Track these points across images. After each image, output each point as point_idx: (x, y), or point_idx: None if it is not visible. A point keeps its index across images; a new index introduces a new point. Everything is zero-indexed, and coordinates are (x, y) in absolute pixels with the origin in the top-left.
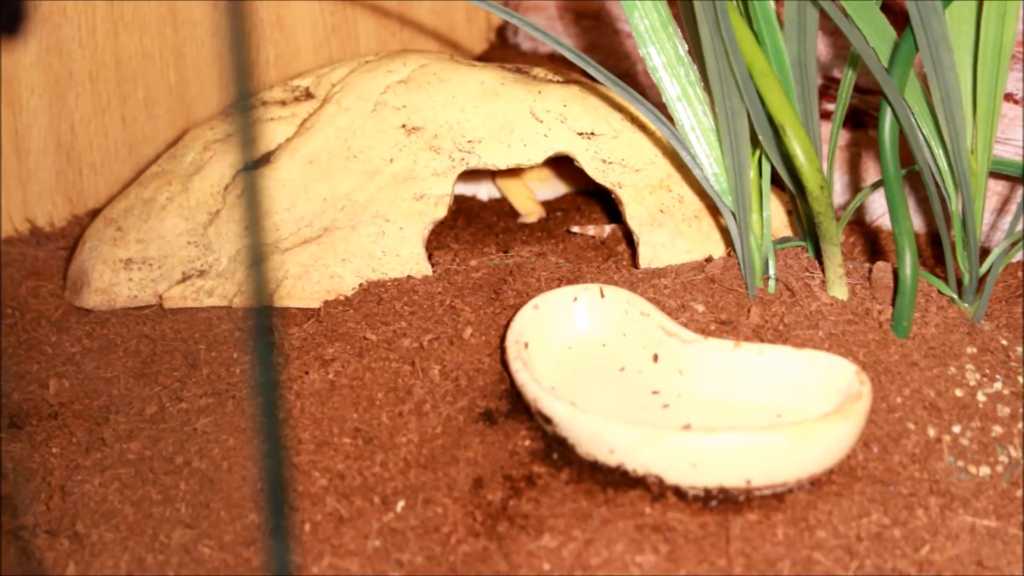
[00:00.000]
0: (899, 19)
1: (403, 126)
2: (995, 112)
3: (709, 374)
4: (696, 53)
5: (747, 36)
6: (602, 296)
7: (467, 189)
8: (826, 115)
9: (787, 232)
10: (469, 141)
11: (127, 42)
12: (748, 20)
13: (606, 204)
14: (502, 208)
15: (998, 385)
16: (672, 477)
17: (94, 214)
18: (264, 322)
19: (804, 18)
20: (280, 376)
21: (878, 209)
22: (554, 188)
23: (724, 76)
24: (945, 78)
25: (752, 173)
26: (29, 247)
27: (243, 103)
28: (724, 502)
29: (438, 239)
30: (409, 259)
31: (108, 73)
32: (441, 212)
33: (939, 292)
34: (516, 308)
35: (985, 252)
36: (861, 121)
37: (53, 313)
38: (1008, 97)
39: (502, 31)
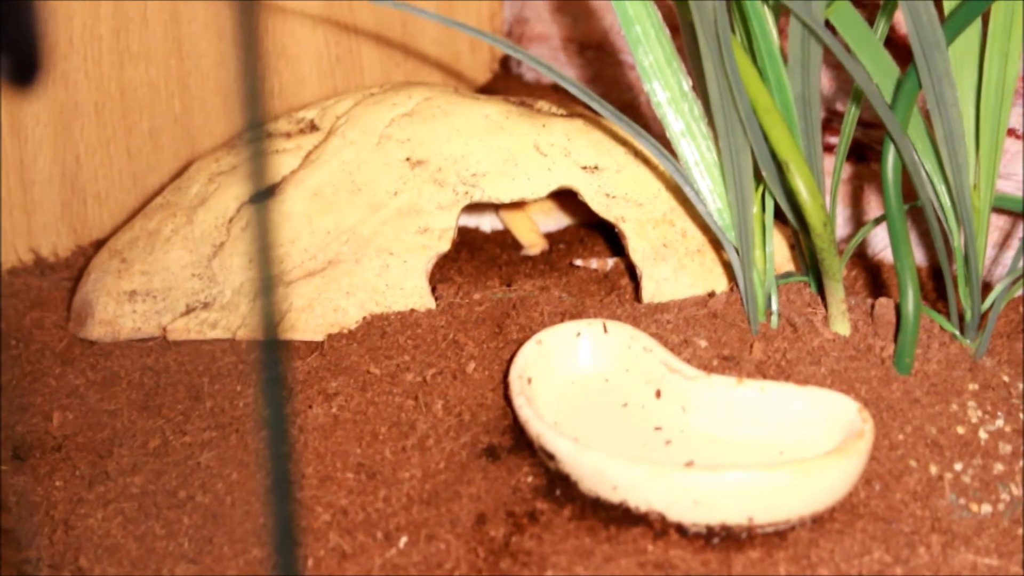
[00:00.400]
0: (901, 53)
1: (407, 159)
2: (998, 148)
3: (712, 411)
4: (700, 88)
5: (751, 72)
6: (605, 331)
7: (470, 221)
8: (828, 148)
9: (789, 267)
10: (473, 175)
11: (132, 73)
12: (752, 56)
13: (608, 236)
14: (505, 240)
15: (1000, 422)
16: (675, 514)
17: (98, 245)
18: (270, 356)
19: (808, 54)
20: (284, 410)
21: (880, 243)
22: (557, 220)
23: (728, 112)
24: (948, 115)
25: (755, 208)
26: (33, 278)
27: (253, 134)
28: (726, 539)
29: (441, 272)
30: (413, 292)
31: (113, 104)
32: (445, 245)
33: (941, 328)
34: (519, 342)
35: (987, 287)
36: (863, 154)
37: (57, 345)
38: (1010, 132)
39: (506, 61)
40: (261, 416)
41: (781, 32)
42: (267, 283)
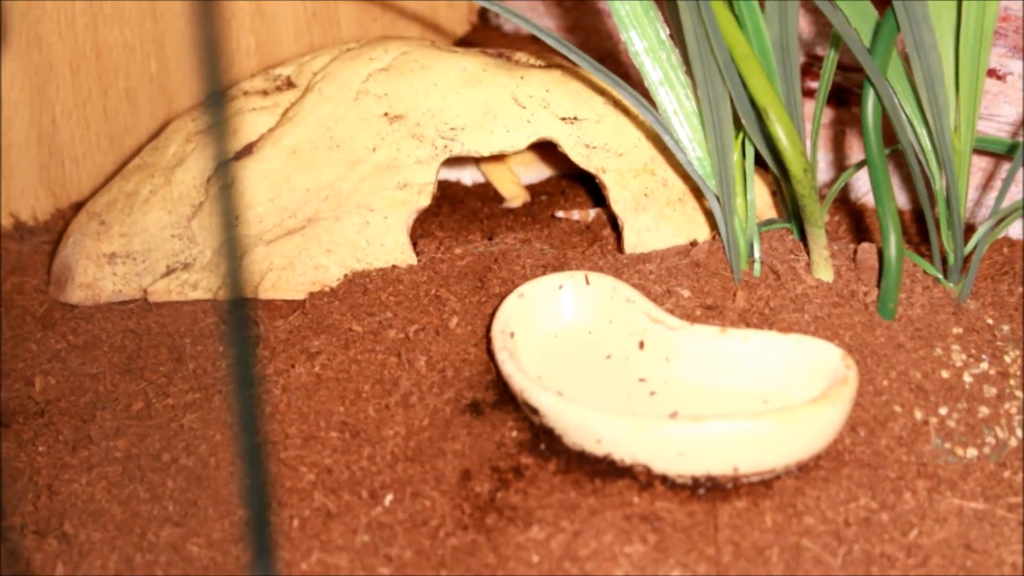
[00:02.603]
0: None
1: (385, 114)
2: (978, 91)
3: (695, 361)
4: (677, 37)
5: (728, 19)
6: (587, 283)
7: (451, 174)
8: (809, 93)
9: (771, 214)
10: (452, 128)
11: (107, 34)
12: (729, 2)
13: (590, 187)
14: (486, 193)
15: (984, 365)
16: (659, 466)
17: (77, 207)
18: (245, 316)
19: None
20: (266, 370)
21: (862, 187)
22: (538, 172)
23: (706, 60)
24: (927, 58)
25: (735, 156)
26: (12, 242)
27: (218, 96)
28: (712, 490)
29: (422, 227)
30: (394, 248)
31: (88, 65)
32: (425, 200)
33: (924, 272)
34: (502, 296)
35: (970, 229)
36: (844, 99)
37: (38, 309)
38: (991, 73)
39: (484, 14)
40: (237, 378)
41: None
42: (231, 245)
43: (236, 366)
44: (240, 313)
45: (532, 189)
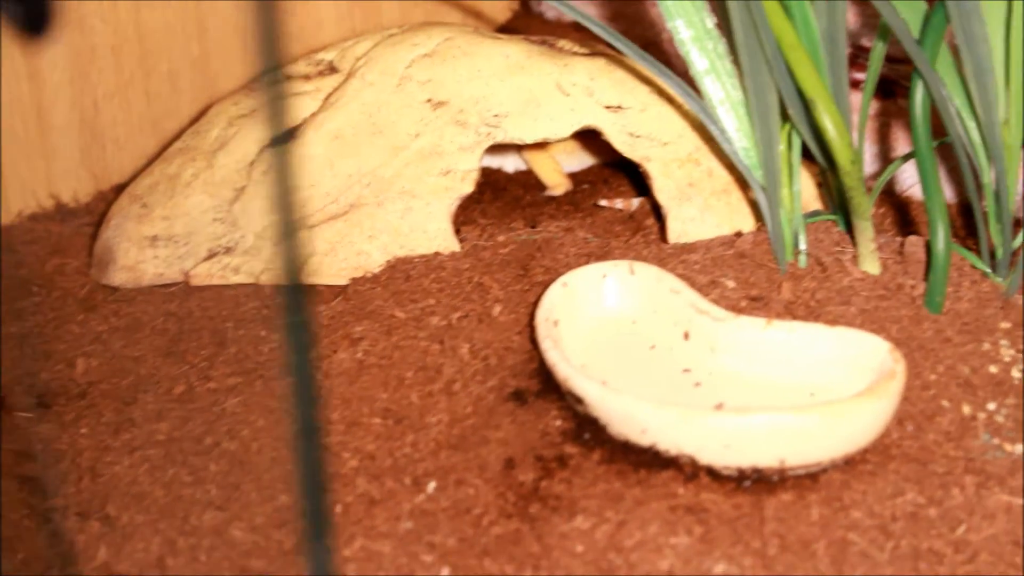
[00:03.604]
0: None
1: (429, 100)
2: None
3: (741, 352)
4: (724, 26)
5: (776, 8)
6: (632, 273)
7: (493, 161)
8: (854, 84)
9: (817, 205)
10: (495, 115)
11: (149, 15)
12: None
13: (632, 175)
14: (528, 180)
15: None
16: (705, 457)
17: (118, 189)
18: (296, 301)
19: None
20: (309, 356)
21: (908, 179)
22: (580, 160)
23: (753, 49)
24: (977, 50)
25: (782, 147)
26: (54, 223)
27: (271, 76)
28: (758, 482)
29: (465, 214)
30: (436, 235)
31: (131, 47)
32: (468, 187)
33: (972, 266)
34: (545, 285)
35: (1017, 223)
36: (890, 90)
37: (79, 291)
38: None
39: (525, 0)
40: (286, 362)
41: None
42: (289, 228)
43: (295, 352)
44: (298, 298)
45: (574, 177)
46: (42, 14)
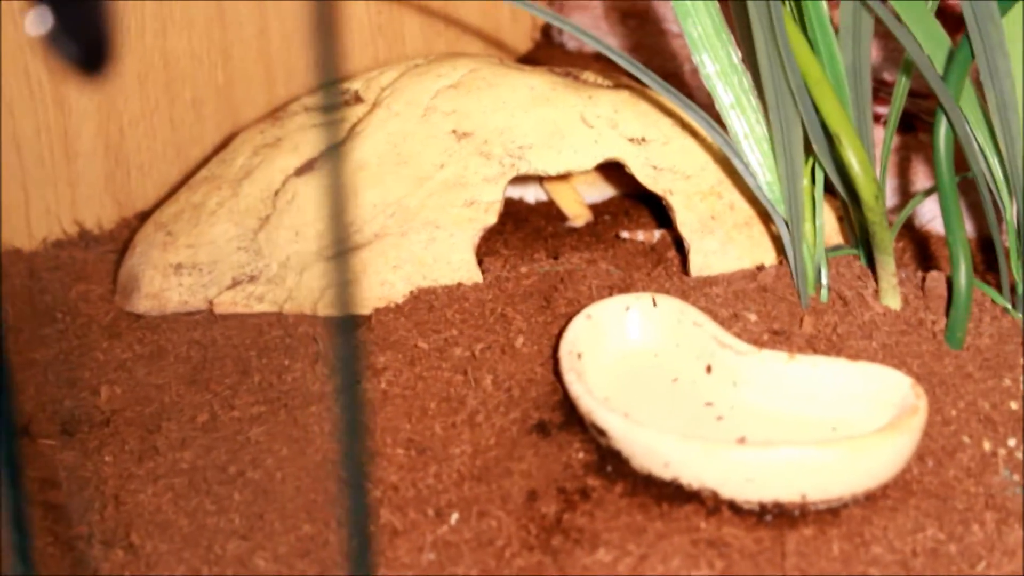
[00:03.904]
0: (952, 23)
1: (453, 131)
2: None
3: (763, 386)
4: (750, 60)
5: (802, 43)
6: (654, 305)
7: (514, 192)
8: (876, 118)
9: (838, 239)
10: (520, 147)
11: (175, 43)
12: (802, 27)
13: (653, 207)
14: (550, 211)
15: None
16: (727, 491)
17: (143, 216)
18: (346, 330)
19: (859, 25)
20: (331, 386)
21: (927, 213)
22: (601, 191)
23: (778, 83)
24: (1001, 85)
25: (805, 181)
26: (78, 250)
27: (330, 96)
28: (779, 517)
29: (487, 244)
30: (460, 266)
31: (156, 74)
32: (492, 219)
33: (992, 301)
34: (568, 316)
35: None
36: (911, 124)
37: (103, 318)
38: None
39: (547, 30)
40: (316, 392)
41: (831, 2)
42: (340, 248)
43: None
44: (346, 332)
45: (595, 209)
46: (100, 51)
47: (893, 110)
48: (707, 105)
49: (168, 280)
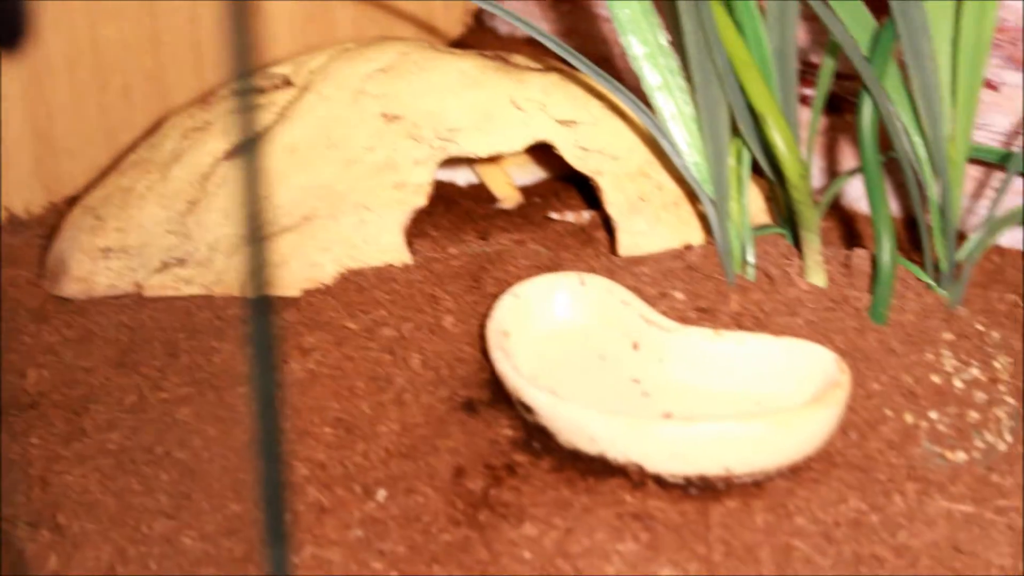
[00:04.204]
0: (877, 5)
1: (383, 115)
2: (974, 100)
3: (689, 362)
4: (677, 42)
5: (728, 25)
6: (582, 284)
7: (445, 174)
8: (802, 100)
9: (765, 219)
10: (449, 130)
11: (104, 29)
12: (729, 9)
13: (583, 189)
14: (480, 194)
15: (975, 371)
16: (652, 465)
17: (71, 201)
18: (262, 312)
19: (785, 6)
20: (259, 367)
21: (853, 192)
22: (532, 173)
23: (705, 66)
24: (924, 66)
25: (732, 161)
26: (6, 235)
27: (242, 86)
28: (704, 490)
29: (417, 226)
30: (389, 247)
31: (85, 59)
32: (421, 200)
33: (916, 278)
34: (496, 296)
35: (960, 237)
36: (838, 106)
37: (31, 302)
38: (986, 83)
39: (479, 15)
40: (244, 373)
41: None
42: (256, 236)
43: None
44: (255, 309)
45: (525, 191)
46: (15, 28)
47: (819, 91)
48: (636, 88)
49: (97, 264)
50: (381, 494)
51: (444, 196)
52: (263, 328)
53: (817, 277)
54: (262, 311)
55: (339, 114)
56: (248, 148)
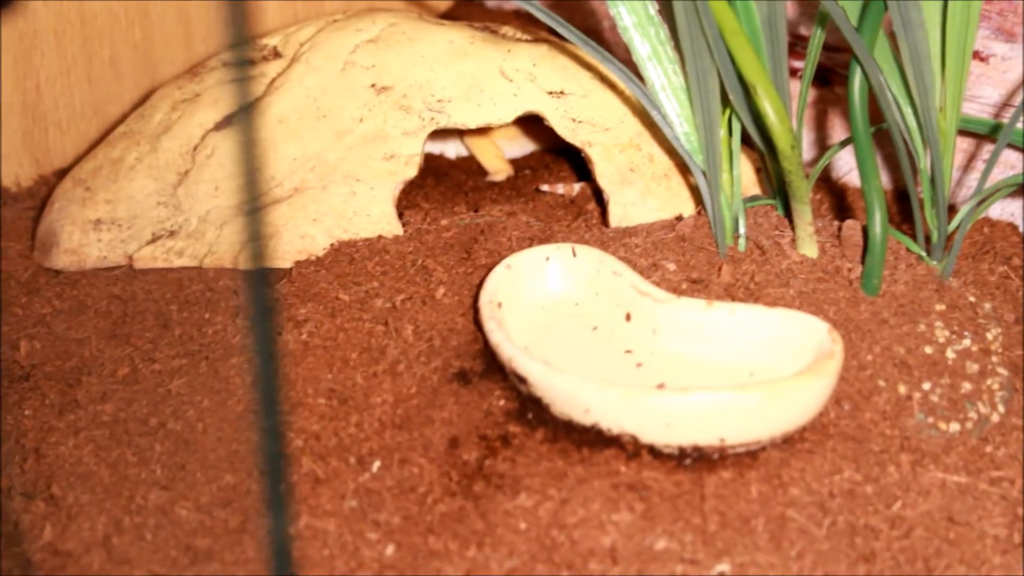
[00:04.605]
0: None
1: (373, 85)
2: (964, 71)
3: (682, 333)
4: (666, 12)
5: None
6: (574, 255)
7: (435, 147)
8: (792, 72)
9: (756, 190)
10: (439, 100)
11: (92, 1)
12: None
13: (574, 161)
14: (470, 166)
15: (967, 342)
16: (647, 436)
17: (61, 174)
18: (267, 283)
19: None
20: (252, 338)
21: (844, 165)
22: (522, 146)
23: (695, 35)
24: (914, 37)
25: (722, 132)
26: None
27: (232, 55)
28: (698, 460)
29: (408, 198)
30: (380, 219)
31: (73, 32)
32: (411, 172)
33: (908, 249)
34: (488, 268)
35: (951, 208)
36: (827, 78)
37: (22, 274)
38: (975, 55)
39: None
40: (236, 344)
41: None
42: (252, 206)
43: (255, 335)
44: (259, 283)
45: (516, 163)
46: None
47: (808, 63)
48: (625, 59)
49: (87, 236)
50: (375, 465)
51: (434, 168)
52: (260, 300)
53: (808, 248)
54: (258, 283)
55: (328, 85)
56: (241, 118)
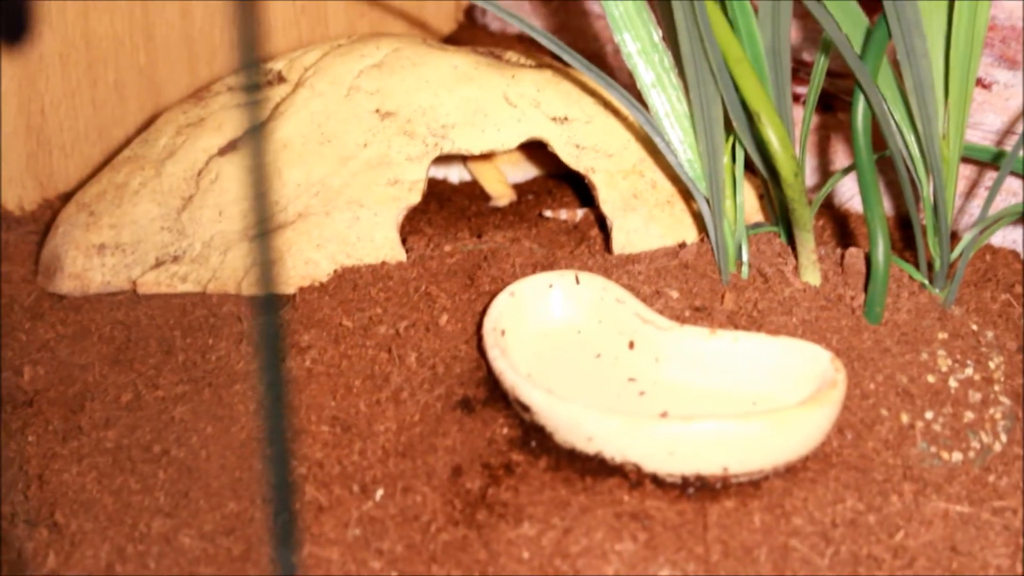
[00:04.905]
0: (870, 3)
1: (377, 111)
2: (967, 99)
3: (685, 361)
4: (671, 39)
5: (722, 23)
6: (577, 283)
7: (438, 172)
8: (795, 98)
9: (759, 217)
10: (443, 126)
11: (97, 24)
12: (723, 7)
13: (577, 187)
14: (473, 191)
15: (969, 371)
16: (650, 465)
17: (65, 198)
18: (270, 309)
19: (778, 5)
20: (255, 365)
21: (847, 191)
22: (525, 171)
23: (699, 63)
24: (918, 65)
25: (726, 159)
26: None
27: (243, 78)
28: (701, 489)
29: (411, 224)
30: (383, 244)
31: (78, 55)
32: (415, 198)
33: (910, 277)
34: (491, 294)
35: (953, 236)
36: (830, 104)
37: (26, 299)
38: (978, 82)
39: (470, 12)
40: (240, 371)
41: None
42: (257, 231)
43: (266, 363)
44: (263, 309)
45: (519, 188)
46: (20, 23)
47: (812, 89)
48: (629, 85)
49: (91, 260)
50: (379, 493)
51: (437, 193)
52: (264, 326)
53: (811, 276)
54: (262, 309)
55: (332, 110)
56: (245, 143)
